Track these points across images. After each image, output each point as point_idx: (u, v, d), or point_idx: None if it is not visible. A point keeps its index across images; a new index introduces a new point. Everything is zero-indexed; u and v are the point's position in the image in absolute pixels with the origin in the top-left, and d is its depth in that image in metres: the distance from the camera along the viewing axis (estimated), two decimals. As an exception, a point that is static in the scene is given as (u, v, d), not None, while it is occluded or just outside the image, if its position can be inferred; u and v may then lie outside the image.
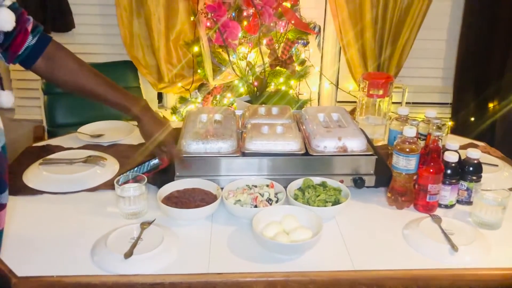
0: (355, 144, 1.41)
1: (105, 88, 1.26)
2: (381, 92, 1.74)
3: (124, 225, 1.20)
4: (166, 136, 1.32)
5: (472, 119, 2.87)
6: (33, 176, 1.45)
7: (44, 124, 2.49)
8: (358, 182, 1.39)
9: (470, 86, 2.84)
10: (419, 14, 2.70)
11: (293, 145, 1.39)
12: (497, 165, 1.58)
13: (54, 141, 1.75)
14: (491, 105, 2.82)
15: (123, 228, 1.19)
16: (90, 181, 1.44)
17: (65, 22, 2.71)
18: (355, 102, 2.90)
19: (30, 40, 1.15)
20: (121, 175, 1.33)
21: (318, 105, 2.92)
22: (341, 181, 1.37)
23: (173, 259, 1.11)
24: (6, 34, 1.09)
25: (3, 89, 1.03)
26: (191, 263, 1.11)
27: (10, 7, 1.07)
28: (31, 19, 1.16)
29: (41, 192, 1.39)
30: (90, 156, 1.56)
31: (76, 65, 1.24)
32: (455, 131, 2.78)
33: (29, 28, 1.14)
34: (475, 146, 1.75)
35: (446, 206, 1.35)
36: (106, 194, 1.39)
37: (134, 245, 1.11)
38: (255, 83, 2.38)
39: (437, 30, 2.88)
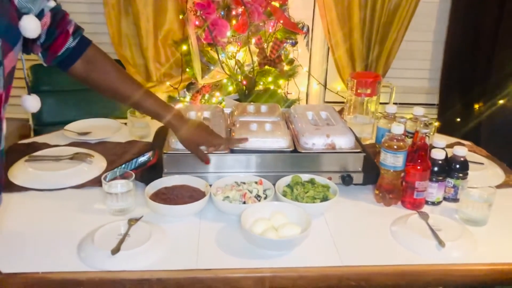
0: (343, 142, 1.42)
1: (141, 94, 1.27)
2: (369, 91, 1.76)
3: (112, 222, 1.19)
4: (205, 138, 1.32)
5: (458, 119, 2.91)
6: (19, 172, 1.44)
7: (31, 122, 2.46)
8: (346, 179, 1.39)
9: (456, 87, 2.88)
10: (406, 15, 2.72)
11: (281, 142, 1.40)
12: (483, 163, 1.60)
13: (40, 139, 1.73)
14: (476, 106, 2.86)
15: (110, 225, 1.18)
16: (77, 178, 1.43)
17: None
18: (343, 102, 2.90)
19: (71, 42, 1.16)
20: (109, 172, 1.32)
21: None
22: (329, 178, 1.38)
23: (161, 256, 1.10)
24: (48, 34, 1.10)
25: (29, 93, 1.04)
26: (179, 259, 1.10)
27: (54, 9, 1.09)
28: (73, 21, 1.17)
29: (27, 189, 1.37)
30: (77, 153, 1.55)
31: (113, 70, 1.24)
32: (441, 131, 2.77)
33: (71, 30, 1.15)
34: (461, 145, 1.76)
35: (433, 203, 1.37)
36: (93, 191, 1.38)
37: (121, 241, 1.10)
38: (244, 82, 2.38)
39: (424, 31, 2.92)
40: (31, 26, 0.91)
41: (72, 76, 1.22)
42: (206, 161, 1.33)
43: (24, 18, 0.90)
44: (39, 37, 1.09)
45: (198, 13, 2.20)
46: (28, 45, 1.09)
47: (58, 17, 1.11)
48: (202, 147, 1.34)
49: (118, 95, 1.26)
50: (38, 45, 1.12)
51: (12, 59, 0.89)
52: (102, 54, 1.24)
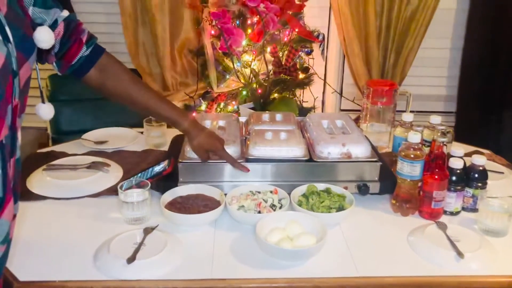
0: (360, 150, 1.40)
1: (156, 101, 1.28)
2: (385, 99, 1.74)
3: (127, 231, 1.20)
4: (215, 146, 1.33)
5: (477, 127, 2.86)
6: (37, 181, 1.45)
7: (49, 131, 2.50)
8: (363, 189, 1.38)
9: (474, 95, 2.84)
10: (423, 23, 2.70)
11: (297, 151, 1.39)
12: (502, 172, 1.57)
13: (58, 148, 1.75)
14: (495, 113, 2.81)
15: (126, 234, 1.18)
16: (93, 187, 1.44)
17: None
18: (359, 110, 2.89)
19: (84, 51, 1.17)
20: (125, 181, 1.33)
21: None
22: (345, 188, 1.37)
23: (176, 265, 1.10)
24: (61, 43, 1.12)
25: (43, 102, 1.05)
26: (194, 268, 1.10)
27: (67, 19, 1.11)
28: (86, 30, 1.18)
29: (44, 198, 1.39)
30: (93, 162, 1.56)
31: (128, 77, 1.25)
32: (459, 139, 2.76)
33: (84, 39, 1.16)
34: (480, 153, 1.73)
35: (452, 213, 1.34)
36: (110, 200, 1.39)
37: (137, 250, 1.11)
38: (259, 91, 2.38)
39: (441, 39, 2.89)
40: (45, 38, 0.92)
41: (87, 85, 1.23)
42: (206, 159, 1.34)
43: (38, 29, 0.91)
44: (53, 47, 1.10)
45: (213, 23, 2.21)
46: (43, 55, 1.11)
47: (72, 27, 1.12)
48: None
49: (133, 103, 1.27)
50: (52, 55, 1.13)
51: (27, 69, 0.90)
52: (116, 62, 1.25)
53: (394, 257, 1.16)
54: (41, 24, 1.00)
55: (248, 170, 1.34)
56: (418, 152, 1.30)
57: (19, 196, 0.93)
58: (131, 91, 1.25)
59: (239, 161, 1.37)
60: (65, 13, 1.11)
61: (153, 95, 1.29)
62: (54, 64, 1.16)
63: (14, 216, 0.92)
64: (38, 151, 1.73)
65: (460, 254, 1.12)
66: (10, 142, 0.86)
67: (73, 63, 1.17)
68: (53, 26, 1.06)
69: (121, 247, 1.12)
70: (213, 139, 1.34)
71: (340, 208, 1.29)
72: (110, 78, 1.22)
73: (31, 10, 0.98)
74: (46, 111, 1.05)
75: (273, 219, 1.22)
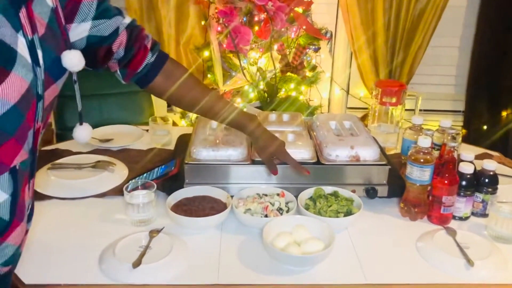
0: (368, 153, 1.38)
1: (222, 105, 1.25)
2: (394, 100, 1.72)
3: (133, 233, 1.19)
4: (279, 149, 1.31)
5: (485, 127, 2.84)
6: (42, 180, 1.44)
7: (53, 127, 2.49)
8: (371, 192, 1.36)
9: (483, 94, 2.81)
10: (432, 20, 2.67)
11: (304, 153, 1.37)
12: (512, 176, 1.55)
13: (63, 145, 1.74)
14: (504, 113, 2.79)
15: (131, 236, 1.17)
16: (98, 187, 1.43)
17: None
18: (366, 108, 2.87)
19: (150, 58, 1.12)
20: (130, 182, 1.31)
21: (329, 111, 2.90)
22: (353, 191, 1.35)
23: (182, 269, 1.09)
24: (126, 51, 1.07)
25: (81, 124, 1.00)
26: (200, 273, 1.08)
27: (130, 25, 1.07)
28: (150, 36, 1.14)
29: (50, 197, 1.38)
30: (99, 161, 1.55)
31: (193, 82, 1.22)
32: (467, 139, 2.74)
33: (149, 45, 1.12)
34: (490, 156, 1.71)
35: (461, 218, 1.32)
36: (115, 200, 1.38)
37: (142, 254, 1.10)
38: (266, 89, 2.36)
39: (450, 37, 2.86)
40: (72, 62, 0.87)
41: (152, 93, 1.20)
42: (274, 172, 1.32)
43: (64, 54, 0.86)
44: (113, 55, 1.06)
45: (220, 20, 2.19)
46: (98, 62, 1.06)
47: (135, 33, 1.08)
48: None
49: (200, 108, 1.23)
50: (115, 63, 1.09)
51: (54, 90, 0.87)
52: (180, 67, 1.21)
53: (402, 263, 1.15)
54: (91, 42, 0.97)
55: (309, 173, 1.32)
56: (428, 157, 1.27)
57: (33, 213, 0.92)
58: (198, 97, 1.22)
59: (246, 163, 1.35)
60: (127, 19, 1.06)
61: (218, 99, 1.26)
62: (118, 72, 1.12)
63: (27, 231, 0.90)
64: (43, 148, 1.72)
65: (469, 261, 1.11)
66: (29, 165, 0.84)
67: (138, 70, 1.12)
68: (113, 35, 1.02)
69: (126, 250, 1.11)
70: (277, 142, 1.31)
71: (348, 213, 1.27)
72: (177, 85, 1.18)
73: (89, 24, 0.95)
74: (82, 134, 1.00)
75: (280, 223, 1.20)
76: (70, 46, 0.91)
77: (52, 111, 0.92)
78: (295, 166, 1.31)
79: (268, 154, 1.31)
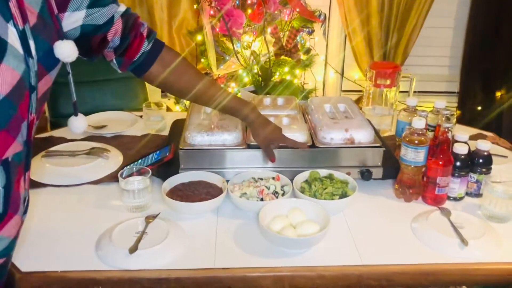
0: (363, 136, 1.38)
1: (219, 93, 1.24)
2: (388, 82, 1.71)
3: (129, 219, 1.19)
4: (275, 134, 1.32)
5: (479, 108, 2.84)
6: (36, 168, 1.44)
7: (47, 114, 2.47)
8: (366, 174, 1.37)
9: (477, 75, 2.81)
10: (426, 1, 2.65)
11: (299, 137, 1.37)
12: (506, 156, 1.56)
13: (56, 133, 1.73)
14: (498, 94, 2.79)
15: (127, 222, 1.17)
16: (93, 174, 1.42)
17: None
18: (360, 91, 2.87)
19: (146, 46, 1.11)
20: (125, 168, 1.31)
21: (323, 94, 2.89)
22: (348, 173, 1.35)
23: (178, 254, 1.10)
24: (121, 40, 1.06)
25: (76, 115, 0.98)
26: (197, 257, 1.09)
27: (124, 13, 1.05)
28: (146, 24, 1.12)
29: (44, 185, 1.38)
30: (93, 148, 1.54)
31: (190, 70, 1.21)
32: (461, 120, 2.75)
33: (145, 33, 1.11)
34: (484, 136, 1.72)
35: (455, 199, 1.33)
36: (110, 186, 1.38)
37: (139, 240, 1.10)
38: (260, 73, 2.35)
39: (445, 17, 2.84)
40: (65, 52, 0.85)
41: (148, 82, 1.19)
42: (272, 160, 1.32)
43: (57, 44, 0.84)
44: (108, 44, 1.04)
45: (212, 4, 2.17)
46: (93, 51, 1.04)
47: (131, 22, 1.06)
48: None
49: (197, 97, 1.23)
50: (111, 51, 1.07)
51: (48, 81, 0.85)
52: (176, 55, 1.19)
53: (397, 244, 1.16)
54: (85, 31, 0.96)
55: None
56: (422, 138, 1.28)
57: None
58: (194, 84, 1.20)
59: (241, 147, 1.35)
60: (122, 7, 1.05)
61: (215, 87, 1.25)
62: (114, 61, 1.10)
63: (23, 222, 0.90)
64: (37, 136, 1.71)
65: (464, 241, 1.12)
66: (24, 157, 0.83)
67: (135, 59, 1.11)
68: (108, 23, 1.01)
69: (123, 236, 1.12)
70: (273, 127, 1.31)
71: (343, 195, 1.27)
72: (173, 73, 1.17)
73: (83, 12, 0.93)
74: (77, 125, 0.98)
75: (275, 206, 1.21)
76: (63, 36, 0.89)
77: (44, 104, 0.90)
78: (295, 146, 1.33)
79: (264, 139, 1.31)
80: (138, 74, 1.16)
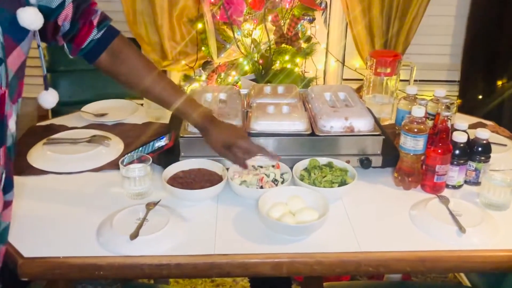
0: (362, 124, 1.39)
1: (169, 92, 1.21)
2: (388, 70, 1.71)
3: (130, 206, 1.20)
4: (234, 138, 1.22)
5: (480, 97, 2.84)
6: (37, 156, 1.45)
7: (48, 102, 2.47)
8: (365, 163, 1.37)
9: (478, 64, 2.80)
10: (428, -11, 2.63)
11: (299, 125, 1.37)
12: (505, 145, 1.56)
13: (57, 121, 1.74)
14: (499, 83, 2.78)
15: (128, 209, 1.18)
16: (94, 161, 1.43)
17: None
18: (361, 80, 2.86)
19: (95, 34, 1.11)
20: (126, 155, 1.32)
21: (324, 83, 2.89)
22: (348, 162, 1.36)
23: (179, 240, 1.11)
24: (71, 25, 1.06)
25: (46, 89, 0.99)
26: (197, 244, 1.10)
27: (76, 0, 1.04)
28: (99, 11, 1.12)
29: (46, 172, 1.39)
30: (94, 136, 1.55)
31: (141, 64, 1.19)
32: (462, 109, 2.74)
33: (95, 21, 1.10)
34: (484, 125, 1.72)
35: (454, 187, 1.34)
36: (111, 174, 1.38)
37: (139, 226, 1.11)
38: (260, 61, 2.34)
39: (446, 6, 2.82)
40: (28, 18, 0.84)
41: (99, 69, 1.18)
42: (244, 166, 1.24)
43: (21, 9, 0.83)
44: (59, 28, 1.05)
45: (213, -9, 2.16)
46: (48, 36, 1.05)
47: (82, 8, 1.06)
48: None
49: (145, 91, 1.22)
50: (61, 37, 1.08)
51: (20, 54, 0.85)
52: (129, 47, 1.18)
53: (396, 231, 1.17)
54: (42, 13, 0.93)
55: (280, 158, 1.27)
56: (422, 126, 1.28)
57: (13, 184, 0.90)
58: (143, 79, 1.19)
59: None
60: None
61: (166, 85, 1.22)
62: (65, 46, 1.11)
63: (10, 202, 0.89)
64: (38, 124, 1.72)
65: (461, 228, 1.13)
66: None
67: (83, 46, 1.11)
68: (59, 7, 1.01)
69: (124, 223, 1.13)
70: (230, 130, 1.24)
71: (342, 183, 1.28)
72: (123, 64, 1.16)
73: None
74: (48, 99, 0.99)
75: (275, 194, 1.22)
76: (25, 3, 0.87)
77: (23, 81, 0.90)
78: (263, 153, 1.24)
79: (221, 146, 1.23)
80: (89, 61, 1.17)
